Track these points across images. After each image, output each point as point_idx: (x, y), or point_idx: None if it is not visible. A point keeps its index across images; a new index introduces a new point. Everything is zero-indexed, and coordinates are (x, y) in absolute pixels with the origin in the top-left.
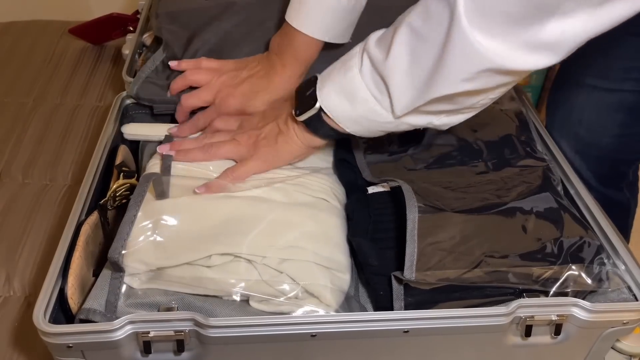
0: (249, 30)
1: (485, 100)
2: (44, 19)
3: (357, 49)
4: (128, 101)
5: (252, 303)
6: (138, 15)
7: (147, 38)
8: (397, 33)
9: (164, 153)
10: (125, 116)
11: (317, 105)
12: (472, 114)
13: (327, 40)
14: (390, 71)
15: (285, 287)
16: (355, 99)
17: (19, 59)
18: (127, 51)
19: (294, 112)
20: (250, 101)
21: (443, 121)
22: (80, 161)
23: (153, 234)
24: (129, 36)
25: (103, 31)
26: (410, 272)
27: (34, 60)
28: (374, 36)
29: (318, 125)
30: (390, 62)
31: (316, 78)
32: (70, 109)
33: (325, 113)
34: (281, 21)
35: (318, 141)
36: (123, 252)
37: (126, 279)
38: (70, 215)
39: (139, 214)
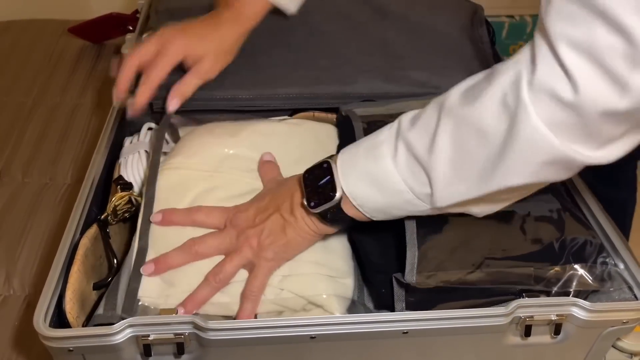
0: None
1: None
2: (43, 18)
3: (386, 133)
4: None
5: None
6: (137, 15)
7: (147, 37)
8: (441, 121)
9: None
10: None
11: (337, 196)
12: (511, 202)
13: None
14: (434, 163)
15: (291, 303)
16: (387, 190)
17: (19, 58)
18: (126, 50)
19: (306, 203)
20: (194, 45)
21: (482, 209)
22: (80, 160)
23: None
24: (129, 35)
25: (102, 30)
26: (411, 275)
27: (33, 59)
28: (407, 120)
29: (337, 216)
30: (435, 153)
31: (329, 164)
32: (69, 108)
33: (348, 201)
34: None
35: (333, 230)
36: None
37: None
38: (69, 220)
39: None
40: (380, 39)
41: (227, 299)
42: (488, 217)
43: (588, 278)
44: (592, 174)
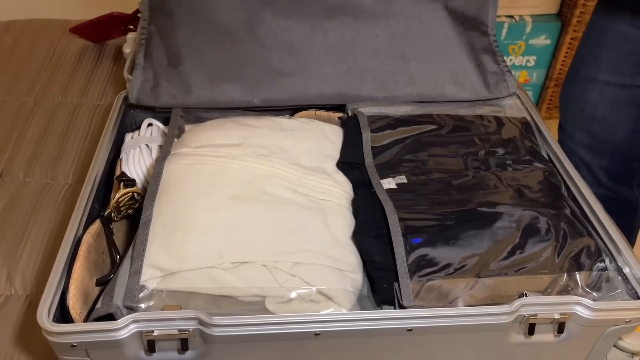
0: None
1: None
2: (44, 18)
3: None
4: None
5: (267, 305)
6: (138, 14)
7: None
8: None
9: None
10: (127, 114)
11: None
12: None
13: None
14: None
15: (300, 290)
16: None
17: (20, 58)
18: (128, 50)
19: None
20: None
21: None
22: (81, 160)
23: (167, 240)
24: (130, 35)
25: (104, 30)
26: (408, 301)
27: (34, 59)
28: None
29: None
30: None
31: None
32: (71, 108)
33: None
34: None
35: None
36: (140, 305)
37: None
38: (72, 216)
39: (153, 217)
40: (382, 36)
41: (233, 278)
42: (483, 230)
43: (584, 286)
44: (604, 173)
